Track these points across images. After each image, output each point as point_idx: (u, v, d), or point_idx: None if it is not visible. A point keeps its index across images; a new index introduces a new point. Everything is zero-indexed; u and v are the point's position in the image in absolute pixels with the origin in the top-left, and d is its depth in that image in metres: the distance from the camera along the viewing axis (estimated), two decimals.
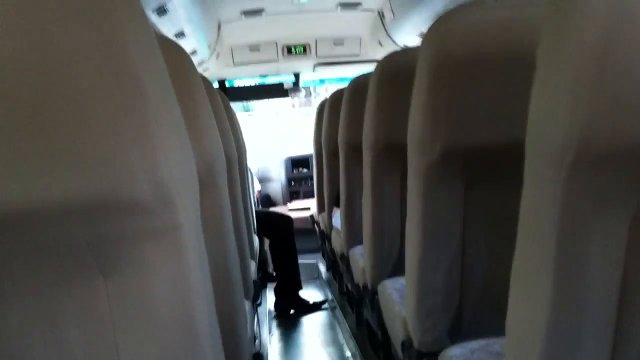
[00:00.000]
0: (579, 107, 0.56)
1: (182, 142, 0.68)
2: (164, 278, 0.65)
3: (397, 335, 1.52)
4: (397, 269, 1.83)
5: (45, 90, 0.55)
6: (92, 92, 0.56)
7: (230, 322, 1.27)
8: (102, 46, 0.56)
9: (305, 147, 4.87)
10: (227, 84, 4.56)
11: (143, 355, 0.68)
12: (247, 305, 1.72)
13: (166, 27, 2.67)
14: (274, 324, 3.15)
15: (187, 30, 2.94)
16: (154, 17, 2.43)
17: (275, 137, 5.71)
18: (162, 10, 2.45)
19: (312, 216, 4.06)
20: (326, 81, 4.83)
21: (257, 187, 4.51)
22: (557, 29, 0.59)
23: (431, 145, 1.14)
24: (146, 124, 0.59)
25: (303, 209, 4.49)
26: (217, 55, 3.97)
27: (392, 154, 1.69)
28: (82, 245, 0.62)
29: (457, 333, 1.27)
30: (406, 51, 1.62)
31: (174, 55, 1.08)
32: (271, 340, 2.89)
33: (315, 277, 3.97)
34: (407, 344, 1.38)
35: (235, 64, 4.16)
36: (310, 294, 3.47)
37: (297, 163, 5.18)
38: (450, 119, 1.10)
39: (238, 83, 4.67)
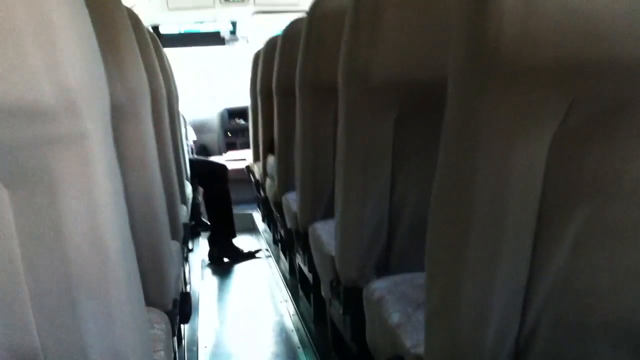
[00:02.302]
0: (505, 18, 0.56)
1: (91, 51, 0.65)
2: (71, 189, 0.63)
3: (326, 275, 1.54)
4: (329, 213, 1.84)
5: None
6: None
7: (154, 258, 1.25)
8: None
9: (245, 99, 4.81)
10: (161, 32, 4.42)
11: (49, 272, 0.66)
12: (176, 245, 1.71)
13: None
14: (208, 271, 3.14)
15: None
16: None
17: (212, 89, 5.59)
18: None
19: (247, 166, 4.04)
20: None
21: (193, 136, 4.42)
22: None
23: (362, 79, 1.14)
24: (50, 25, 0.56)
25: (239, 159, 4.45)
26: None
27: (326, 95, 1.69)
28: None
29: (385, 270, 1.29)
30: None
31: None
32: (203, 286, 2.89)
33: (250, 228, 3.97)
34: (335, 283, 1.40)
35: (169, 9, 4.03)
36: (245, 243, 3.47)
37: (234, 114, 5.10)
38: (381, 54, 1.10)
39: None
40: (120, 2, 1.15)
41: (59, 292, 0.66)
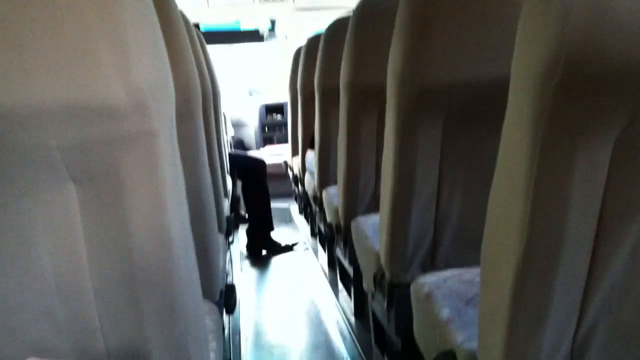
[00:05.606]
0: (568, 27, 0.56)
1: (158, 52, 0.67)
2: (137, 186, 0.65)
3: (369, 269, 1.56)
4: (370, 208, 1.87)
5: None
6: None
7: (204, 251, 1.28)
8: None
9: (281, 94, 4.86)
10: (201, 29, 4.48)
11: (113, 266, 0.67)
12: (221, 238, 1.75)
13: None
14: (246, 263, 3.19)
15: None
16: None
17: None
18: None
19: (285, 161, 4.08)
20: None
21: (231, 131, 4.48)
22: None
23: (411, 83, 1.14)
24: (121, 28, 0.59)
25: (276, 154, 4.50)
26: None
27: (370, 95, 1.70)
28: (53, 151, 0.61)
29: (431, 267, 1.31)
30: None
31: None
32: (242, 278, 2.94)
33: (287, 221, 4.01)
34: (379, 277, 1.42)
35: (209, 6, 4.07)
36: (282, 236, 3.51)
37: (271, 109, 5.16)
38: (431, 57, 1.11)
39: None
40: (175, 3, 1.18)
41: (122, 286, 0.68)
